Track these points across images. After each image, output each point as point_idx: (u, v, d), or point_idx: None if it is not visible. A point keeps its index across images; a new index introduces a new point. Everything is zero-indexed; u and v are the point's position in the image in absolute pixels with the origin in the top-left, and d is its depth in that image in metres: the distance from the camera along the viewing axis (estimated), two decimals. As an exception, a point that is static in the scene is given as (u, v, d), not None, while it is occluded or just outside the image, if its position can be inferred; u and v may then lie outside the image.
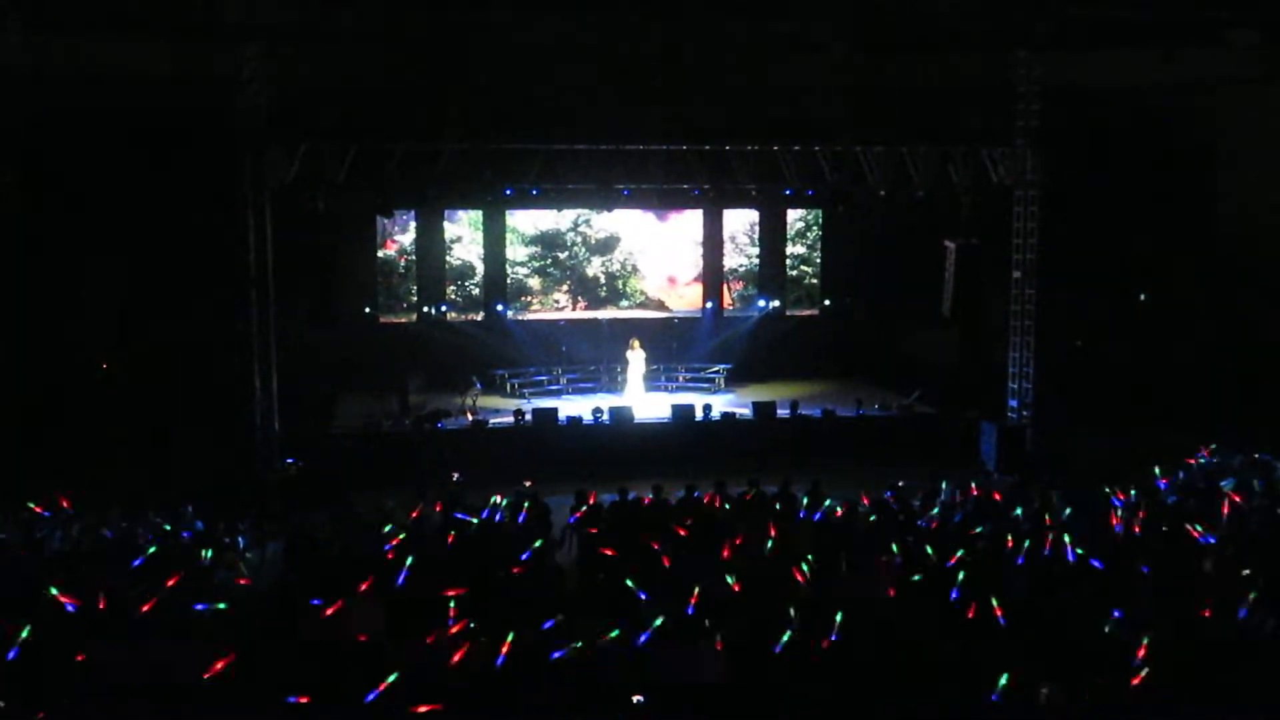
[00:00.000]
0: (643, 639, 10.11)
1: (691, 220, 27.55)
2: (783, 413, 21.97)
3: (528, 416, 21.55)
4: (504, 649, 9.75)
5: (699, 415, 21.76)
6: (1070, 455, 19.24)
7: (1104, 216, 24.21)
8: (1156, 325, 25.48)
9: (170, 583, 11.57)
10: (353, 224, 23.86)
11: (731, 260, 28.28)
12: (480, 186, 21.90)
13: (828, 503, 14.88)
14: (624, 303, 27.70)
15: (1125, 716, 9.36)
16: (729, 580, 11.75)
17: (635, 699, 9.12)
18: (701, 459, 18.98)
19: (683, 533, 13.44)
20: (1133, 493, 15.22)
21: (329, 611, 10.54)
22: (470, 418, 22.00)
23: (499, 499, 15.10)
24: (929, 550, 12.73)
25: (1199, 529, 13.36)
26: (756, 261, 28.29)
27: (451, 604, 10.69)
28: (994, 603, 10.83)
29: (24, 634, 9.84)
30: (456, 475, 16.97)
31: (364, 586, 11.40)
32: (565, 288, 27.55)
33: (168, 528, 13.99)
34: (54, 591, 10.88)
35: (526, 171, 20.66)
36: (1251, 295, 24.12)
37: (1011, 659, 9.64)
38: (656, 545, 12.78)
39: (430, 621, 10.42)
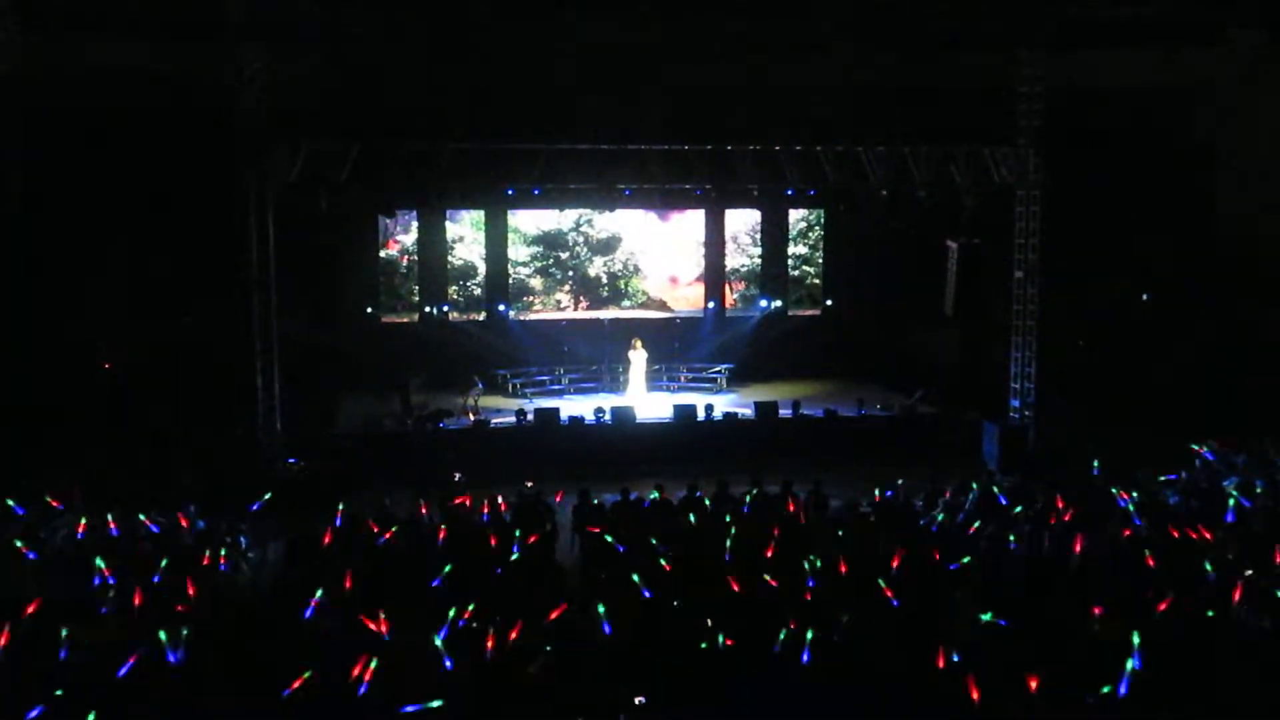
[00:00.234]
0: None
1: (693, 220, 27.55)
2: (785, 413, 21.97)
3: (529, 416, 21.56)
4: (497, 644, 9.77)
5: (701, 415, 21.75)
6: (1072, 455, 19.21)
7: (1106, 216, 24.19)
8: (1158, 325, 25.46)
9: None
10: (355, 224, 23.87)
11: (733, 260, 28.28)
12: (482, 186, 21.87)
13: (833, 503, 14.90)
14: (626, 303, 27.70)
15: (1124, 717, 9.36)
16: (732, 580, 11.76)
17: (637, 699, 9.11)
18: (703, 459, 19.00)
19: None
20: (1135, 493, 15.21)
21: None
22: (472, 418, 22.01)
23: (500, 499, 15.12)
24: (931, 550, 12.74)
25: (1200, 529, 13.36)
26: (758, 261, 28.30)
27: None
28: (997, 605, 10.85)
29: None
30: (458, 475, 16.98)
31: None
32: (567, 287, 27.55)
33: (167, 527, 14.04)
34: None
35: (528, 171, 20.64)
36: (1252, 295, 24.09)
37: (1011, 660, 9.66)
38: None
39: (429, 621, 10.43)
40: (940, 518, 14.63)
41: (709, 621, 10.41)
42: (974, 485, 15.70)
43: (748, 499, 14.91)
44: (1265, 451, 16.55)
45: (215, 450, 19.31)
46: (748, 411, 22.27)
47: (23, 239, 21.42)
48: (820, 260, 28.50)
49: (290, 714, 9.06)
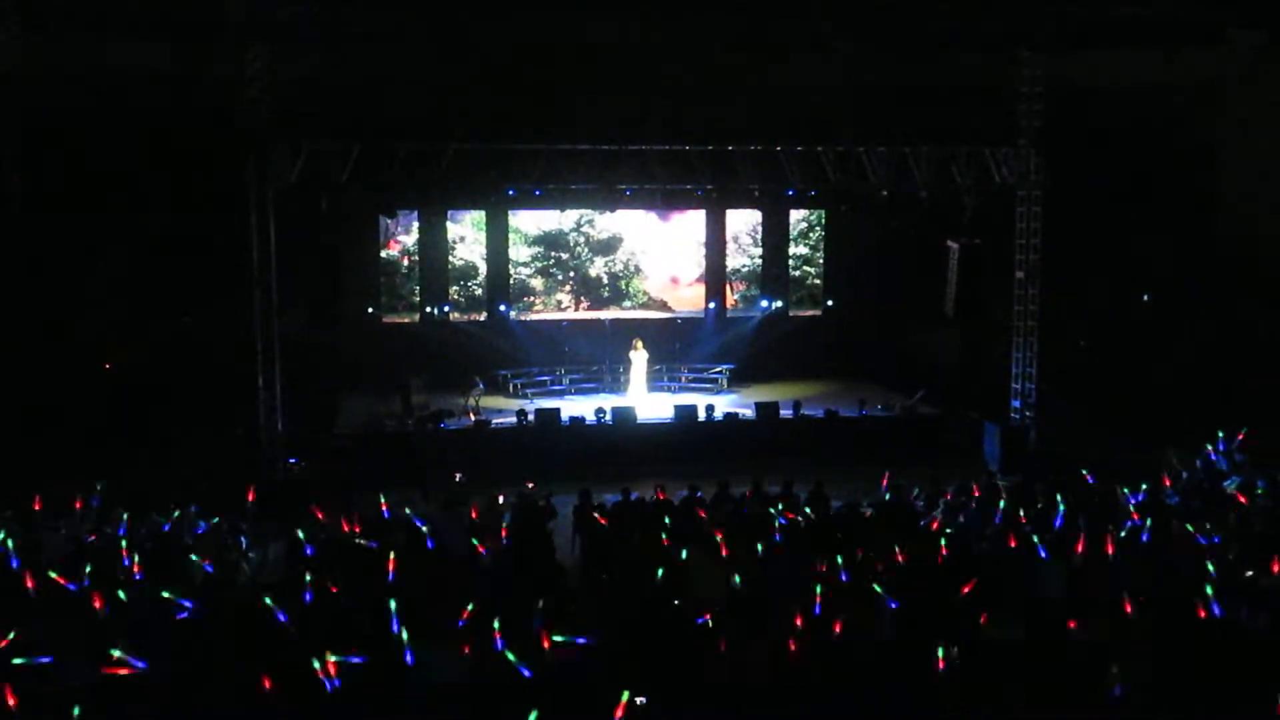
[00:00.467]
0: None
1: (694, 220, 27.55)
2: (785, 413, 21.97)
3: (530, 417, 21.57)
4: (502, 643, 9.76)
5: (702, 416, 21.75)
6: (1073, 455, 19.21)
7: (1106, 217, 24.17)
8: (1158, 325, 25.45)
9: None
10: (356, 224, 23.87)
11: (734, 260, 28.28)
12: (483, 186, 21.89)
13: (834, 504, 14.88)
14: (627, 303, 27.70)
15: (1124, 717, 9.37)
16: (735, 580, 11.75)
17: (638, 700, 9.11)
18: (704, 459, 19.01)
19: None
20: (1135, 493, 15.21)
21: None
22: (473, 418, 22.01)
23: (501, 499, 15.12)
24: (930, 551, 12.73)
25: (1202, 528, 13.35)
26: (759, 262, 28.30)
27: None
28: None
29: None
30: (459, 475, 16.98)
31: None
32: (568, 288, 27.55)
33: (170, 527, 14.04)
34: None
35: (529, 171, 20.65)
36: (1252, 295, 24.08)
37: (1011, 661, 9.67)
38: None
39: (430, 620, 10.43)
40: (941, 518, 14.63)
41: (710, 622, 10.42)
42: (974, 486, 15.71)
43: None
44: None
45: (216, 450, 19.32)
46: (748, 412, 22.27)
47: (23, 239, 21.41)
48: (821, 260, 28.51)
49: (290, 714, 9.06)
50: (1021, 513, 14.41)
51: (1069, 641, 10.27)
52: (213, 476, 17.31)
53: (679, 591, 11.49)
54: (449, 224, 26.68)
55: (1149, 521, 13.75)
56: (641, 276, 27.80)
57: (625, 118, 21.21)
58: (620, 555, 13.26)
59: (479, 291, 27.26)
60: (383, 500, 14.59)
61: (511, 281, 27.10)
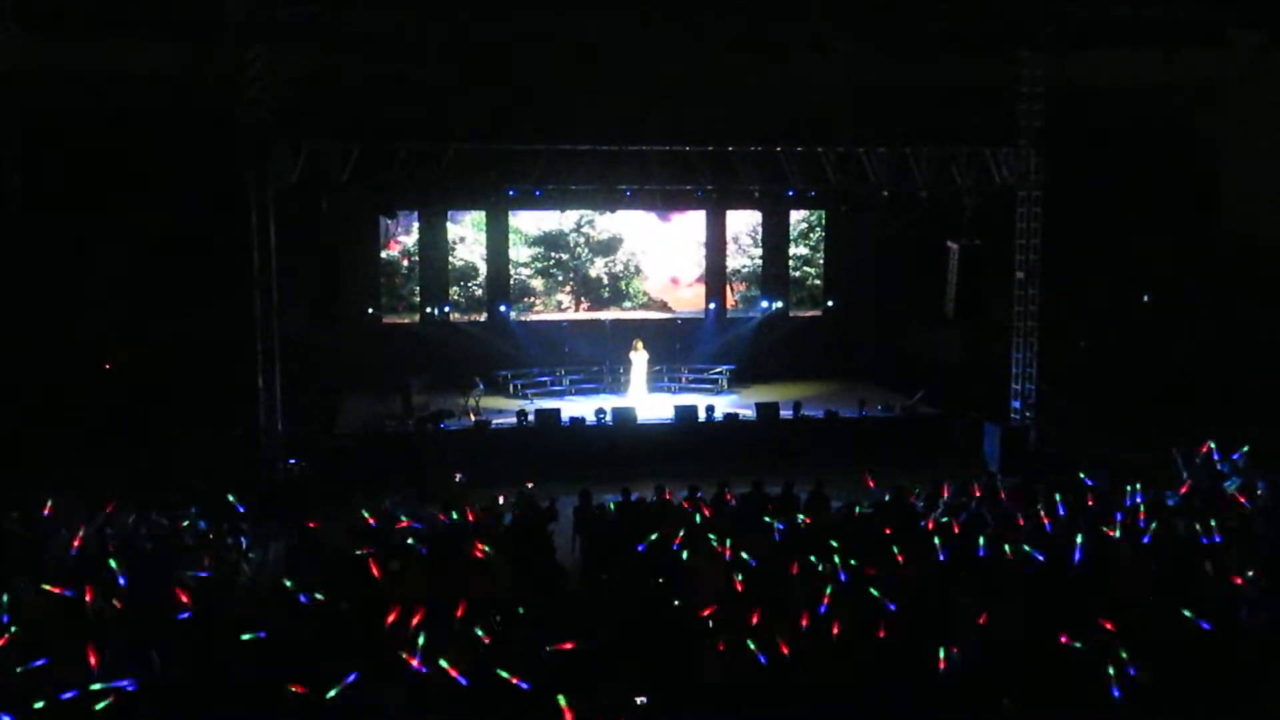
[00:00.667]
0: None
1: (694, 221, 27.54)
2: (786, 414, 21.95)
3: (530, 417, 21.55)
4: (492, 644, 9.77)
5: (702, 416, 21.73)
6: (1073, 455, 19.22)
7: (1106, 217, 24.21)
8: (1159, 325, 25.47)
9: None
10: (356, 224, 23.86)
11: (734, 261, 28.28)
12: (483, 187, 21.88)
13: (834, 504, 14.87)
14: (627, 303, 27.70)
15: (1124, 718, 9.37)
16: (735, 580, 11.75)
17: (638, 700, 9.11)
18: (704, 460, 19.00)
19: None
20: (1137, 494, 15.20)
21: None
22: (473, 418, 21.99)
23: (501, 500, 15.11)
24: (930, 551, 12.72)
25: (1202, 529, 13.35)
26: (759, 262, 28.29)
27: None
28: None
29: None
30: (459, 476, 16.97)
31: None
32: (568, 288, 27.55)
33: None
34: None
35: (529, 172, 20.64)
36: (1252, 295, 24.11)
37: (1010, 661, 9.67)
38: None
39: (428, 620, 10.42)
40: (941, 519, 14.62)
41: (710, 622, 10.42)
42: (974, 486, 15.70)
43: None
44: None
45: (216, 450, 19.32)
46: (749, 412, 22.25)
47: (23, 239, 21.43)
48: (821, 261, 28.52)
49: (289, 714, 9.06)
50: (1021, 513, 14.41)
51: (1069, 641, 10.26)
52: (213, 476, 17.30)
53: (679, 592, 11.49)
54: (449, 224, 26.71)
55: (1150, 523, 13.76)
56: (642, 277, 27.80)
57: (625, 118, 21.21)
58: (621, 555, 13.24)
59: (479, 292, 27.26)
60: (366, 514, 14.51)
61: (512, 282, 27.09)
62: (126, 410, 21.06)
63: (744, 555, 12.51)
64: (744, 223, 28.17)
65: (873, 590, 11.31)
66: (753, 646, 9.93)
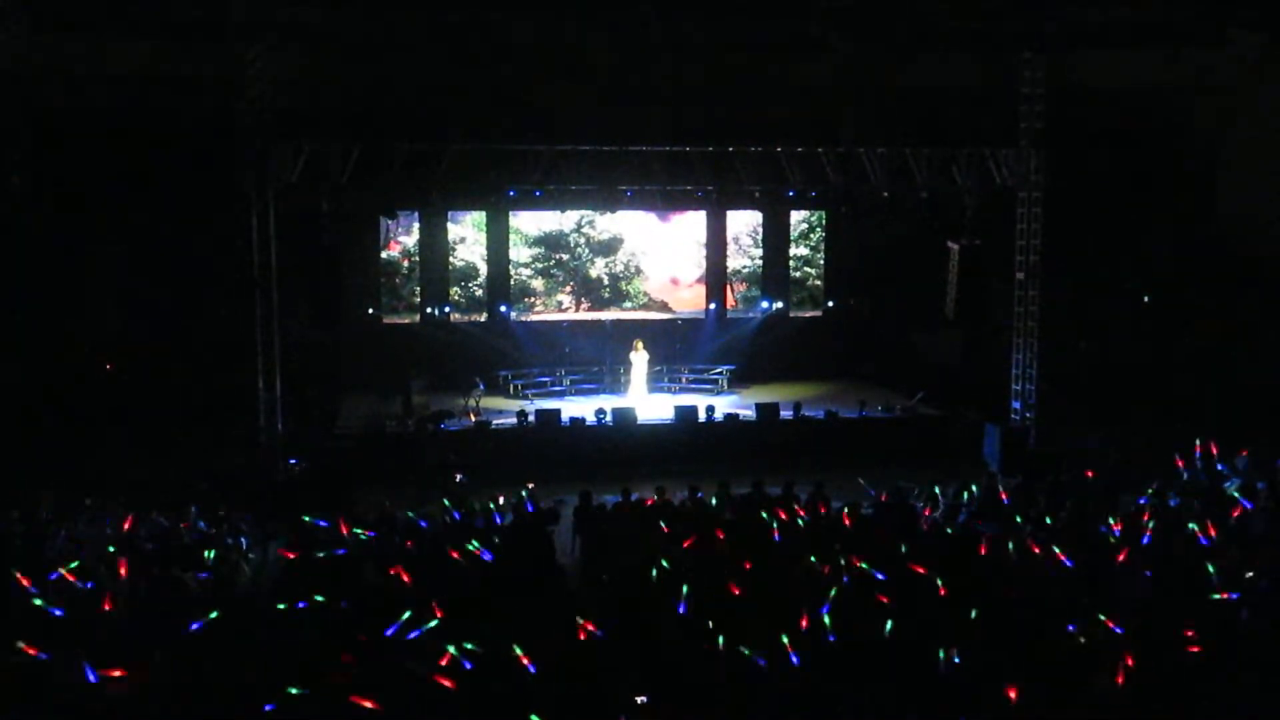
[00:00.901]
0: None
1: (694, 221, 27.55)
2: (786, 414, 21.95)
3: (531, 418, 21.55)
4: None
5: (702, 416, 21.73)
6: (1073, 456, 19.22)
7: (1107, 217, 24.21)
8: (1159, 326, 25.47)
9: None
10: (356, 225, 23.87)
11: (735, 261, 28.28)
12: (484, 187, 21.88)
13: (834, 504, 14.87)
14: (627, 304, 27.70)
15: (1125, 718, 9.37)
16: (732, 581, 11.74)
17: (639, 699, 9.11)
18: (704, 460, 19.00)
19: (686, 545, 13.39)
20: (1137, 495, 15.20)
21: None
22: (473, 419, 21.99)
23: (501, 500, 15.11)
24: (929, 552, 12.72)
25: (1202, 529, 13.35)
26: (759, 263, 28.29)
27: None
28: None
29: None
30: (460, 476, 16.97)
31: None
32: (568, 289, 27.55)
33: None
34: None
35: (530, 172, 20.66)
36: (1252, 295, 24.10)
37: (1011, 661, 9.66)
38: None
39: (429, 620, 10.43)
40: (941, 519, 14.63)
41: (710, 623, 10.41)
42: (975, 487, 15.70)
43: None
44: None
45: (216, 451, 19.32)
46: (749, 413, 22.25)
47: (26, 239, 21.44)
48: (821, 261, 28.53)
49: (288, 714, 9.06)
50: (1021, 514, 14.41)
51: (1069, 641, 10.26)
52: (213, 476, 17.30)
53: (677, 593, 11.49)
54: (449, 225, 26.72)
55: (1151, 523, 13.76)
56: (642, 277, 27.80)
57: (626, 118, 21.22)
58: (621, 556, 13.24)
59: (479, 292, 27.26)
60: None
61: (512, 282, 27.09)
62: (127, 410, 21.05)
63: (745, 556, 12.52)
64: (744, 223, 28.17)
65: (873, 591, 11.31)
66: (750, 650, 9.94)
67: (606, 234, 27.47)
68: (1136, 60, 22.93)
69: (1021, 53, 20.33)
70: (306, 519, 14.15)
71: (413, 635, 10.25)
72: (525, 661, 9.55)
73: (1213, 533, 13.32)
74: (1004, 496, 15.29)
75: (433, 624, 10.36)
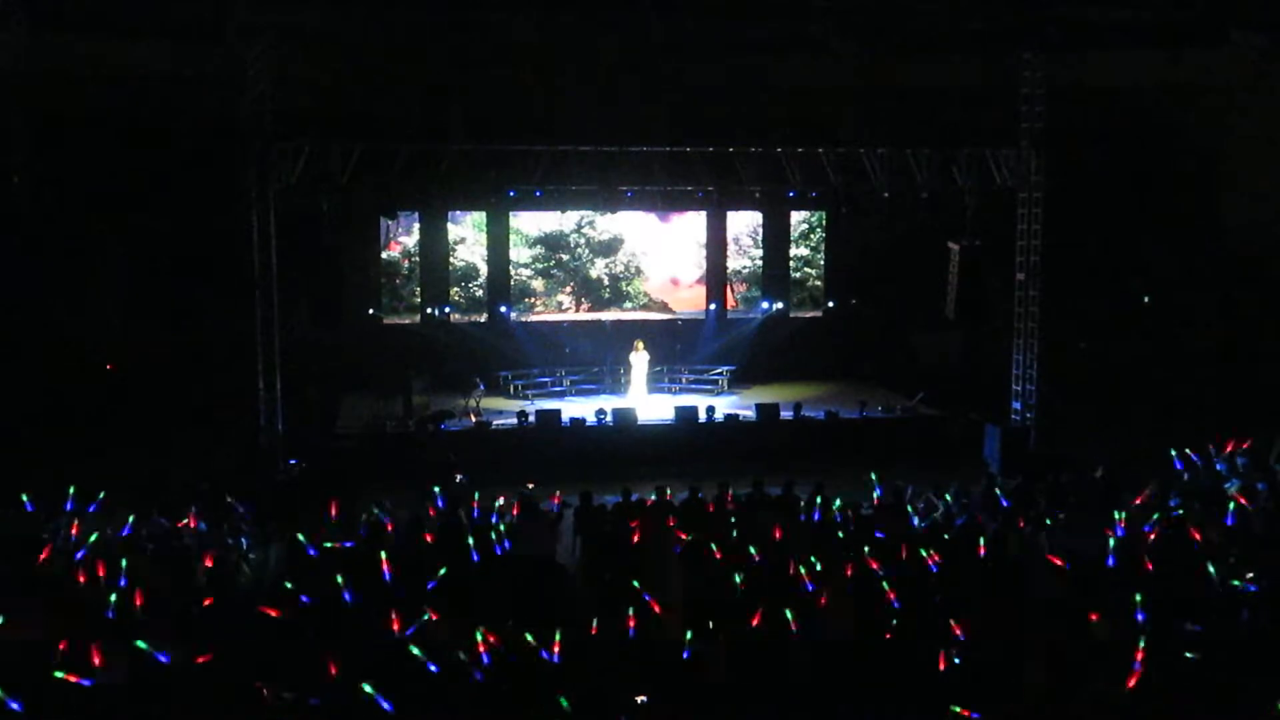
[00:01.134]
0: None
1: (695, 222, 27.56)
2: (786, 415, 21.96)
3: (531, 418, 21.56)
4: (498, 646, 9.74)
5: (702, 417, 21.74)
6: (1073, 457, 19.21)
7: (1107, 218, 24.20)
8: (1159, 326, 25.46)
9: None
10: (356, 225, 23.86)
11: (735, 262, 28.29)
12: (484, 188, 21.91)
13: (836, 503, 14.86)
14: (627, 304, 27.71)
15: (1126, 718, 9.36)
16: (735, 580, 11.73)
17: (637, 699, 9.10)
18: (705, 461, 18.99)
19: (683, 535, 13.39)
20: (1138, 495, 15.18)
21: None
22: (474, 419, 22.00)
23: (501, 501, 15.09)
24: (929, 552, 12.71)
25: (1202, 530, 13.34)
26: (760, 263, 28.30)
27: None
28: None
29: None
30: (460, 477, 16.95)
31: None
32: (569, 289, 27.55)
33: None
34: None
35: (530, 173, 20.67)
36: (1252, 295, 24.10)
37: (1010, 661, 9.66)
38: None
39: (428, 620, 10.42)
40: (941, 520, 14.61)
41: (710, 623, 10.41)
42: (975, 488, 15.69)
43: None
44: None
45: (217, 451, 19.32)
46: (749, 413, 22.26)
47: (26, 239, 21.44)
48: (822, 262, 28.54)
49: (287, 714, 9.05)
50: (1022, 514, 14.40)
51: (1069, 641, 10.26)
52: (213, 476, 17.29)
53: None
54: (450, 225, 26.73)
55: (1151, 524, 13.75)
56: (642, 278, 27.80)
57: (626, 118, 21.22)
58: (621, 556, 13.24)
59: (480, 293, 27.28)
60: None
61: (512, 283, 27.10)
62: (127, 410, 21.04)
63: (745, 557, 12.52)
64: (744, 223, 28.18)
65: (873, 591, 11.30)
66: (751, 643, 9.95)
67: (607, 234, 27.47)
68: (1136, 60, 22.95)
69: (1021, 53, 20.34)
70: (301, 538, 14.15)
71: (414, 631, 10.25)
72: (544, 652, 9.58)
73: (1213, 533, 13.30)
74: (1002, 498, 15.29)
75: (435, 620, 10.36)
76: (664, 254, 27.73)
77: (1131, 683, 9.39)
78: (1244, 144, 24.42)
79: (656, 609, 10.78)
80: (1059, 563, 12.37)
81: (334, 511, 13.96)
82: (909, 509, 14.82)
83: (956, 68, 23.06)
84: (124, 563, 12.09)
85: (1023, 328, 21.29)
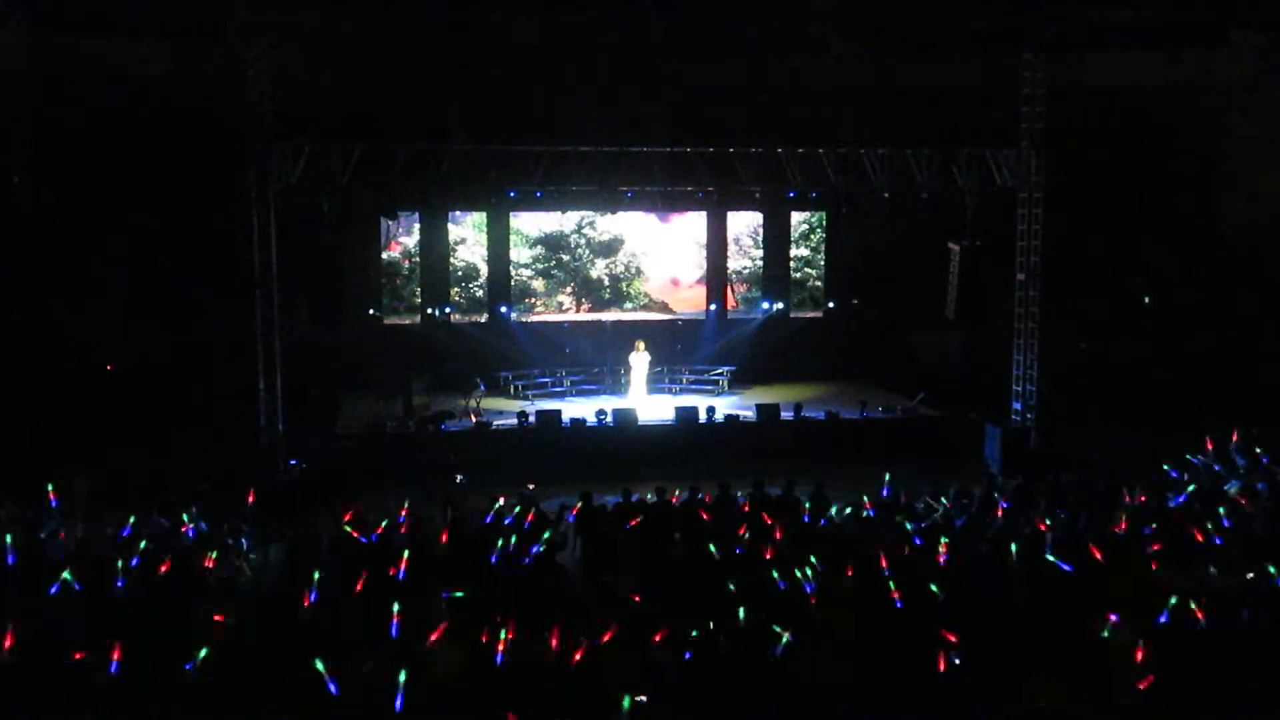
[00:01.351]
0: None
1: (695, 222, 27.55)
2: (786, 415, 21.95)
3: (531, 418, 21.56)
4: (500, 647, 9.73)
5: (702, 417, 21.73)
6: (1073, 457, 19.21)
7: (1107, 218, 24.20)
8: (1159, 326, 25.46)
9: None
10: (357, 225, 23.87)
11: (735, 262, 28.29)
12: (484, 188, 21.91)
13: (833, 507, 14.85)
14: (627, 304, 27.70)
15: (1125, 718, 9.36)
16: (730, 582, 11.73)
17: (637, 699, 9.09)
18: (705, 461, 18.98)
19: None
20: (1137, 494, 15.18)
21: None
22: (474, 420, 21.99)
23: (502, 501, 15.08)
24: (929, 552, 12.71)
25: (1202, 530, 13.34)
26: (760, 263, 28.29)
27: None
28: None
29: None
30: (460, 477, 16.95)
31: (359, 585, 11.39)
32: (569, 289, 27.55)
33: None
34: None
35: (531, 173, 20.66)
36: (1253, 296, 24.10)
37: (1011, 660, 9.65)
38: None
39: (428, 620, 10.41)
40: (941, 520, 14.61)
41: (710, 623, 10.40)
42: (975, 488, 15.68)
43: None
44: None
45: (217, 451, 19.31)
46: (749, 414, 22.25)
47: (26, 238, 21.44)
48: (822, 262, 28.53)
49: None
50: (1022, 515, 14.39)
51: (1069, 641, 10.25)
52: (213, 476, 17.29)
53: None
54: (450, 225, 26.73)
55: (1151, 524, 13.75)
56: (642, 278, 27.80)
57: (626, 118, 21.24)
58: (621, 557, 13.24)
59: (480, 293, 27.28)
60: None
61: (512, 283, 27.10)
62: (127, 410, 21.03)
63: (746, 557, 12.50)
64: (745, 224, 28.18)
65: (873, 591, 11.30)
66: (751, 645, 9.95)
67: (607, 235, 27.47)
68: (1136, 60, 22.96)
69: (1021, 53, 20.34)
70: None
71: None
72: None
73: (1213, 533, 13.31)
74: (1002, 498, 15.28)
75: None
76: (664, 254, 27.73)
77: (1143, 685, 9.39)
78: (1244, 144, 24.43)
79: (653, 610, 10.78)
80: (1059, 563, 12.39)
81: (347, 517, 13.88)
82: (911, 509, 14.84)
83: (956, 68, 23.07)
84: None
85: (1023, 328, 21.28)
